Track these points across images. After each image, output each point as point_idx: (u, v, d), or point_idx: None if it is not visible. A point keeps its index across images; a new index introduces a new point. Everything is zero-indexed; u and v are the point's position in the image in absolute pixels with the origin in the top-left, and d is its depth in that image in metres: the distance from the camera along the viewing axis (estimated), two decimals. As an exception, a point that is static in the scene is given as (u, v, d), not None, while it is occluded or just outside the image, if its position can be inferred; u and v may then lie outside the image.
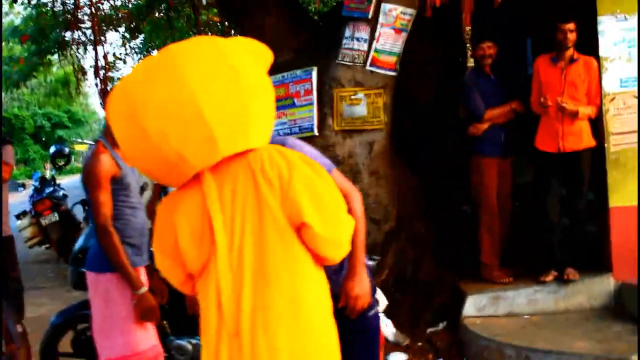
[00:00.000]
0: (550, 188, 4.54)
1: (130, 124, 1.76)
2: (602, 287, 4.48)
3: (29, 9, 11.30)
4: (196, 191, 1.80)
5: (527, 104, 4.65)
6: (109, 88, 8.16)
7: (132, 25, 11.54)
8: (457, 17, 4.98)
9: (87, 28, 10.59)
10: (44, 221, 8.20)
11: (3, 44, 26.92)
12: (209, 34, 9.59)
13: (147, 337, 3.03)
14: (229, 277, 1.76)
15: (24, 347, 3.67)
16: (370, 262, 3.70)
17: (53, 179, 9.48)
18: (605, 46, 4.47)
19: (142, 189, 5.89)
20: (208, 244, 1.78)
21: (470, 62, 5.28)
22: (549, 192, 4.55)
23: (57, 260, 8.38)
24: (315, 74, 4.99)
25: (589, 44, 4.49)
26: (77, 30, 9.91)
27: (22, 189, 21.05)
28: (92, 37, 9.32)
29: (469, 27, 4.98)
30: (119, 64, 12.59)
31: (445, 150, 5.67)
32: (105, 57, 8.81)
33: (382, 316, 3.69)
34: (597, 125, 4.49)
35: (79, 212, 8.67)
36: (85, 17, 10.13)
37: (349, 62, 4.89)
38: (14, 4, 10.06)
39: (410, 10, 4.80)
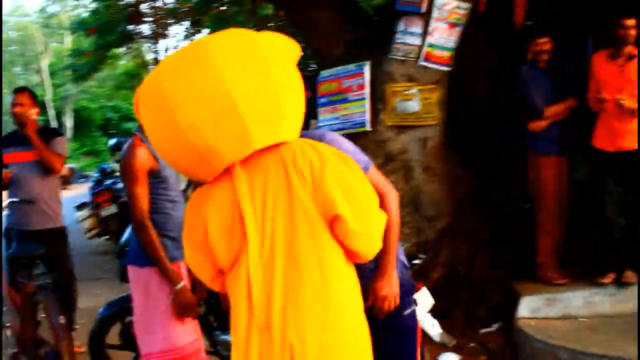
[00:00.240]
0: (607, 187, 4.40)
1: (160, 117, 1.76)
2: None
3: (96, 1, 11.57)
4: (227, 185, 1.78)
5: (583, 101, 4.51)
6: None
7: (195, 19, 11.71)
8: (510, 11, 4.86)
9: (151, 22, 10.86)
10: (103, 213, 8.29)
11: (71, 37, 27.90)
12: (267, 29, 9.63)
13: (187, 331, 2.98)
14: (260, 271, 1.74)
15: (66, 338, 3.58)
16: (417, 261, 3.68)
17: (113, 171, 9.48)
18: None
19: (190, 183, 5.92)
20: (239, 238, 1.76)
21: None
22: (605, 191, 4.40)
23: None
24: (368, 68, 4.96)
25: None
26: (140, 24, 10.13)
27: (84, 180, 21.35)
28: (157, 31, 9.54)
29: (520, 22, 4.86)
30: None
31: (501, 145, 5.53)
32: (167, 51, 8.99)
33: (428, 316, 3.65)
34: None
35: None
36: (149, 11, 10.37)
37: (402, 56, 4.84)
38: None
39: (464, 5, 4.71)
